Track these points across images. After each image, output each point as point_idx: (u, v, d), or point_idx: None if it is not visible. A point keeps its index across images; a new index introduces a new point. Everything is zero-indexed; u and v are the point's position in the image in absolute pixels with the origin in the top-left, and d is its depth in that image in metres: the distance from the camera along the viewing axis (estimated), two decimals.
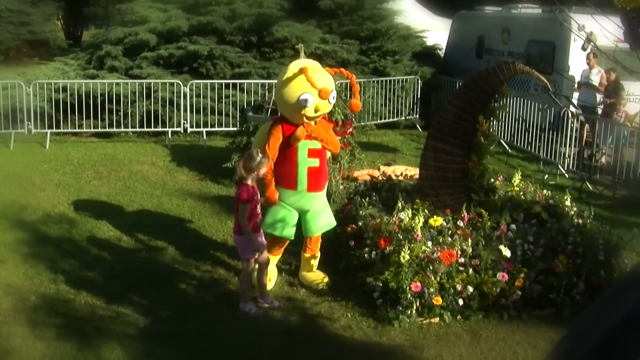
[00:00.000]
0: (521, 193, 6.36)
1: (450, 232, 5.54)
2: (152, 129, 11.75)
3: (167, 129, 11.67)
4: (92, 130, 11.72)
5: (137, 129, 11.77)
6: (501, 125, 11.45)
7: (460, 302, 5.22)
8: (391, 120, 13.20)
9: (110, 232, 7.06)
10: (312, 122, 5.54)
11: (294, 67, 5.49)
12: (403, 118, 13.38)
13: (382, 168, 8.22)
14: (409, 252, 5.20)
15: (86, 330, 4.98)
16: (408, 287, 5.14)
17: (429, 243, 5.38)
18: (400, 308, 5.17)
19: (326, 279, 5.86)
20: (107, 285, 5.77)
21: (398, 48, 13.98)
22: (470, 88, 5.89)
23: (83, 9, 25.61)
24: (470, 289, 5.20)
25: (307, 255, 5.92)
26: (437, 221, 5.57)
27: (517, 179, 6.56)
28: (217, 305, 5.48)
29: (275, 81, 11.31)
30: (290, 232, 5.68)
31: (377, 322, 5.21)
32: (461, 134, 5.88)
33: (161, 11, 13.21)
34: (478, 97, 5.81)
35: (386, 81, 12.96)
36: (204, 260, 6.36)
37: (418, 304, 5.18)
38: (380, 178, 7.00)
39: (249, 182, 5.19)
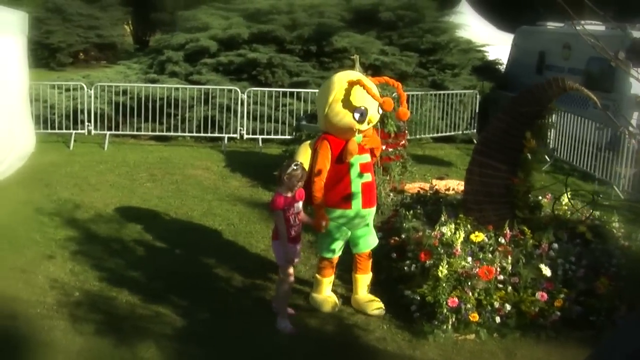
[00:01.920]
0: (569, 212, 6.21)
1: (491, 248, 5.45)
2: (209, 134, 11.93)
3: (223, 135, 11.84)
4: (150, 133, 11.99)
5: (195, 134, 11.97)
6: (559, 142, 11.20)
7: (498, 319, 5.12)
8: (448, 134, 13.06)
9: (158, 234, 7.20)
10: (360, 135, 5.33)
11: (341, 79, 5.20)
12: (460, 132, 13.22)
13: (434, 181, 8.16)
14: (447, 266, 5.14)
15: (124, 328, 5.08)
16: (445, 302, 5.08)
17: (469, 258, 5.31)
18: (436, 322, 5.11)
19: (382, 307, 5.50)
20: (149, 285, 5.88)
21: (458, 61, 13.85)
22: (518, 103, 5.79)
23: (150, 15, 26.26)
24: (508, 307, 5.10)
25: (359, 275, 5.59)
26: (479, 237, 5.49)
27: (566, 197, 6.41)
28: (254, 310, 5.52)
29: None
30: (341, 250, 5.50)
31: (412, 335, 5.15)
32: (507, 149, 5.78)
33: (223, 18, 13.44)
34: (525, 113, 5.70)
35: (444, 94, 12.84)
36: (247, 265, 6.42)
37: (454, 319, 5.11)
38: (428, 191, 6.95)
39: (284, 191, 5.05)
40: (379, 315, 5.44)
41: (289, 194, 5.06)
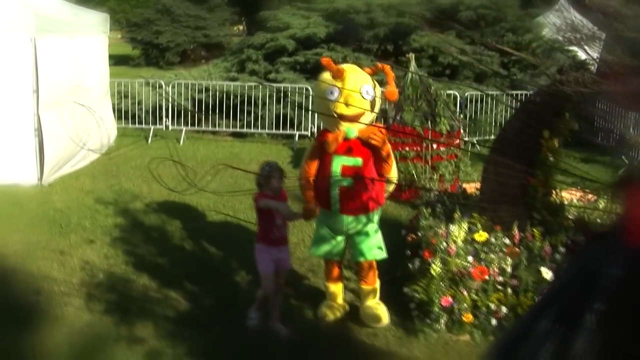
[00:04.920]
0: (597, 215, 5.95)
1: (497, 249, 5.33)
2: (281, 132, 12.23)
3: (294, 132, 12.10)
4: (227, 130, 12.44)
5: (268, 131, 12.31)
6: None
7: (494, 322, 5.01)
8: None
9: (201, 225, 7.52)
10: (353, 130, 4.94)
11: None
12: None
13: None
14: (441, 265, 5.09)
15: (131, 308, 5.38)
16: (438, 301, 5.03)
17: (470, 258, 5.22)
18: (429, 321, 5.07)
19: (386, 320, 5.23)
20: (170, 271, 6.16)
21: (541, 62, 13.38)
22: (535, 102, 5.63)
23: (256, 15, 27.04)
24: (504, 309, 4.98)
25: (362, 287, 5.34)
26: (482, 236, 5.38)
27: (602, 201, 6.14)
28: None
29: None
30: (333, 253, 5.26)
31: (405, 333, 5.13)
32: (524, 149, 5.62)
33: (303, 18, 13.70)
34: (542, 111, 5.53)
35: (521, 95, 12.46)
36: None
37: (447, 319, 5.05)
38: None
39: (266, 191, 5.02)
40: (383, 327, 5.21)
41: (270, 194, 5.01)
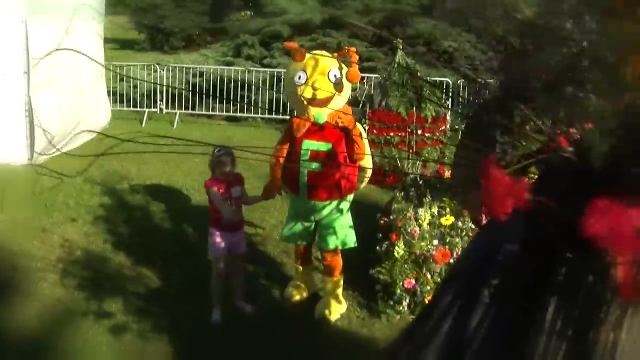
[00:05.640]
0: None
1: (463, 233, 5.42)
2: (275, 116, 12.32)
3: (288, 117, 12.16)
4: (221, 113, 12.55)
5: (263, 116, 12.41)
6: None
7: None
8: None
9: (184, 206, 7.64)
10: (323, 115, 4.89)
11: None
12: None
13: None
14: (405, 247, 5.19)
15: (103, 285, 5.51)
16: (401, 283, 5.13)
17: (435, 241, 5.31)
18: (391, 302, 5.17)
19: (337, 312, 5.24)
20: (146, 250, 6.26)
21: None
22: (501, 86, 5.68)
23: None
24: None
25: (324, 277, 5.31)
26: (449, 220, 5.47)
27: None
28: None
29: (375, 75, 11.38)
30: (302, 237, 5.29)
31: (368, 313, 5.25)
32: (488, 134, 5.68)
33: (300, 3, 13.76)
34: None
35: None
36: (255, 240, 6.70)
37: (409, 301, 5.15)
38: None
39: (218, 175, 5.06)
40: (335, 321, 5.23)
41: (222, 178, 5.03)
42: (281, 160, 5.15)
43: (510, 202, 1.77)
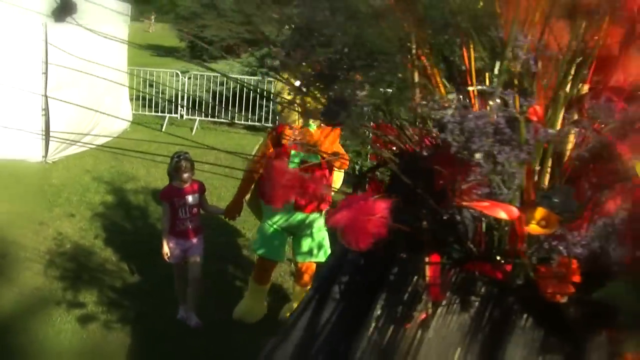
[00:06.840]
0: None
1: None
2: None
3: None
4: (241, 122, 12.86)
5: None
6: None
7: None
8: None
9: None
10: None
11: None
12: None
13: None
14: None
15: (83, 277, 5.79)
16: None
17: None
18: None
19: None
20: (134, 247, 6.51)
21: None
22: None
23: None
24: None
25: (296, 287, 5.33)
26: None
27: None
28: (216, 282, 5.88)
29: None
30: (277, 253, 5.14)
31: None
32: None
33: None
34: None
35: None
36: (238, 242, 6.92)
37: None
38: None
39: (174, 182, 5.14)
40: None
41: (179, 185, 5.07)
42: (259, 171, 4.88)
43: (291, 193, 1.92)
